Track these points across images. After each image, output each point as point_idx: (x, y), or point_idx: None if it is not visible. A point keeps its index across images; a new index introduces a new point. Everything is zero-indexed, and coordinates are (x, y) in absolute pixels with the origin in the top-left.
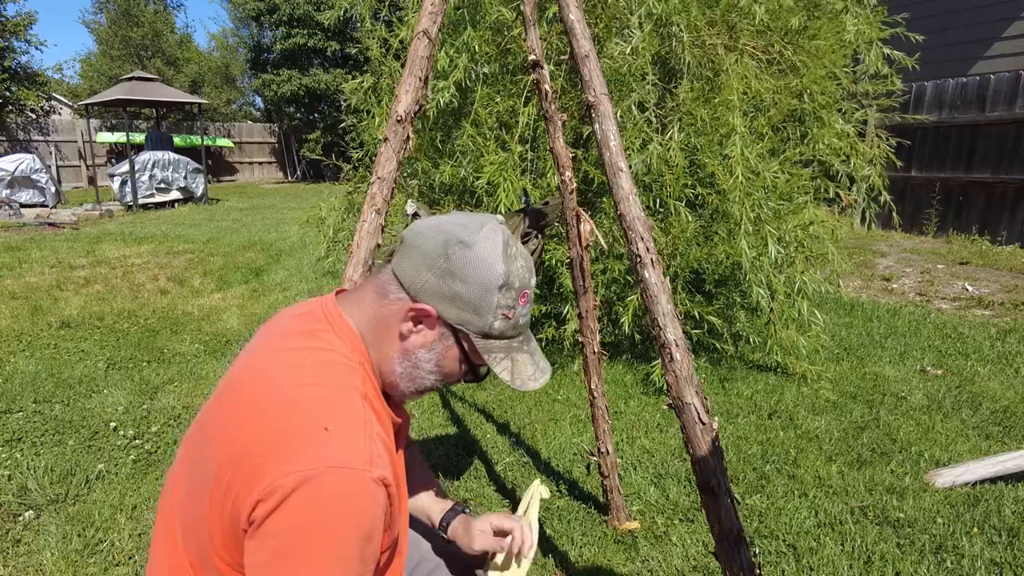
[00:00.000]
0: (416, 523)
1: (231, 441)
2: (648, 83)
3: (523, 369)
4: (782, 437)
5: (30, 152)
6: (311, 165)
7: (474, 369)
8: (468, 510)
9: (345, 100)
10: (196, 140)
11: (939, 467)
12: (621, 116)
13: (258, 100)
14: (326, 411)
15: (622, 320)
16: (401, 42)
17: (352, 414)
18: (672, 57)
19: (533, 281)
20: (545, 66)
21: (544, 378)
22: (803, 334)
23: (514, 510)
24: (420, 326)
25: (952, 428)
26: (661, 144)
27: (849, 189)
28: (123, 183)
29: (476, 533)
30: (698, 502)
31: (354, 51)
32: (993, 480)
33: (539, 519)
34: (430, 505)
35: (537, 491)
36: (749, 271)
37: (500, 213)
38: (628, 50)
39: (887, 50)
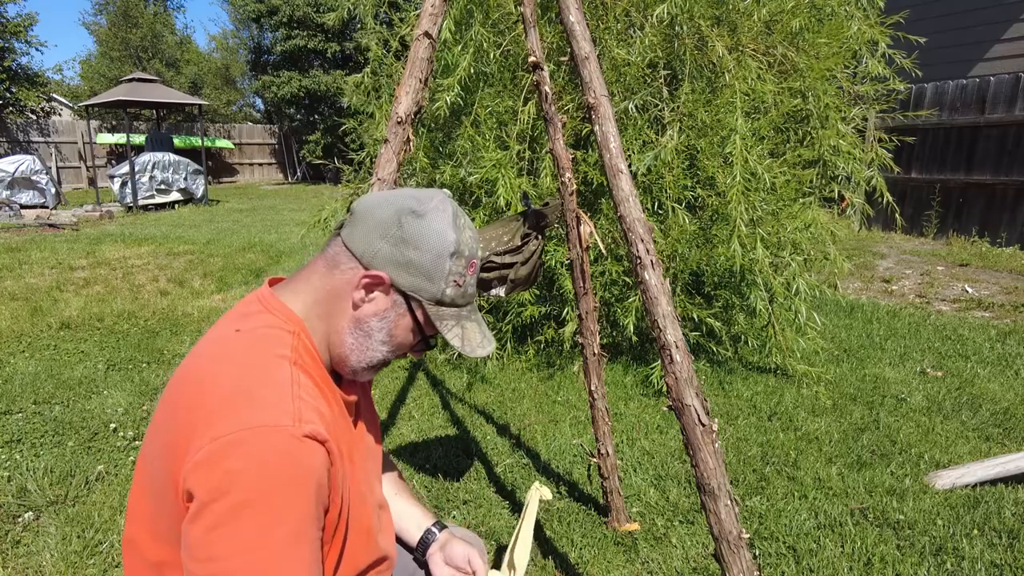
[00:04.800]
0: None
1: (167, 430)
2: (656, 85)
3: (472, 336)
4: (782, 439)
5: (30, 153)
6: (311, 166)
7: (426, 339)
8: (445, 526)
9: (345, 100)
10: (196, 141)
11: (939, 469)
12: (622, 117)
13: (258, 101)
14: (250, 376)
15: (624, 322)
16: (402, 41)
17: (278, 377)
18: (674, 58)
19: (480, 252)
20: (545, 68)
21: (491, 347)
22: (801, 336)
23: (514, 513)
24: (373, 294)
25: (952, 430)
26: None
27: (849, 187)
28: (123, 184)
29: (439, 563)
30: (698, 504)
31: (353, 47)
32: (993, 482)
33: (538, 520)
34: (409, 526)
35: (536, 493)
36: (746, 273)
37: (503, 211)
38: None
39: (889, 51)
